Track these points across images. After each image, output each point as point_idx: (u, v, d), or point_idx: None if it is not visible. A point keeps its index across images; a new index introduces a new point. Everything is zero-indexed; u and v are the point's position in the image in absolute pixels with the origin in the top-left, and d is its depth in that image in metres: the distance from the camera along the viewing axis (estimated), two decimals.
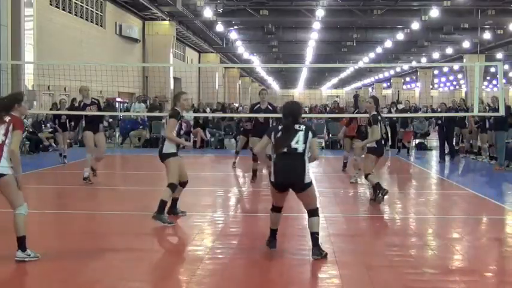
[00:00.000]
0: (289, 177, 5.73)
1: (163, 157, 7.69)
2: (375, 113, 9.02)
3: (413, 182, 12.99)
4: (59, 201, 9.72)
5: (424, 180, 13.19)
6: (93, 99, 11.27)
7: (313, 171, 14.42)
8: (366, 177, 9.11)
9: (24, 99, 5.96)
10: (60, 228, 7.64)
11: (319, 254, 5.82)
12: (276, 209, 6.10)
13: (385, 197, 8.93)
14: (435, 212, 9.07)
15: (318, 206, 6.00)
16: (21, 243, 5.69)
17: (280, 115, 6.19)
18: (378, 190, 8.92)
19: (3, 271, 5.56)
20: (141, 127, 20.92)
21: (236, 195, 10.63)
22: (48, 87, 22.49)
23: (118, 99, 28.56)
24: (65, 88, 23.33)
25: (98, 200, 9.73)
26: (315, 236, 5.87)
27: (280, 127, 5.88)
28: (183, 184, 7.86)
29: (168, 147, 7.69)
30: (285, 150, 5.71)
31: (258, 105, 11.15)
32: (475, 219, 8.59)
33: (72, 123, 14.32)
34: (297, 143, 5.71)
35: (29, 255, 5.70)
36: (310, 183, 5.79)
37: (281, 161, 5.74)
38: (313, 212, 5.91)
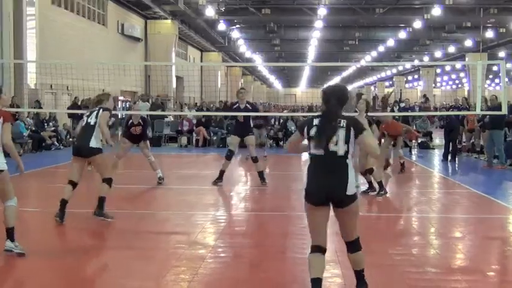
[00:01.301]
0: (325, 183, 4.31)
1: (93, 152, 7.41)
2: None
3: (415, 181, 12.97)
4: (58, 200, 9.71)
5: (426, 179, 13.18)
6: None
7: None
8: (371, 172, 9.19)
9: (4, 90, 6.13)
10: (61, 226, 7.64)
11: None
12: (316, 249, 4.51)
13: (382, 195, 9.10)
14: (437, 211, 9.06)
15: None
16: (11, 233, 5.80)
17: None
18: (381, 187, 9.08)
19: (3, 271, 5.57)
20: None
21: (239, 194, 10.63)
22: (51, 86, 22.51)
23: (120, 98, 28.58)
24: (67, 87, 23.34)
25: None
26: (360, 274, 4.71)
27: (316, 120, 4.33)
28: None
29: (96, 142, 7.41)
30: (322, 153, 4.29)
31: (237, 105, 11.07)
32: (477, 218, 8.57)
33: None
34: (336, 144, 4.25)
35: (17, 246, 5.79)
36: (355, 197, 4.40)
37: (316, 166, 4.39)
38: (356, 246, 4.58)
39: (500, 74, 15.08)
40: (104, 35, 28.82)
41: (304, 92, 75.21)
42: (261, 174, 11.02)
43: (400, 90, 55.53)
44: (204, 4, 30.32)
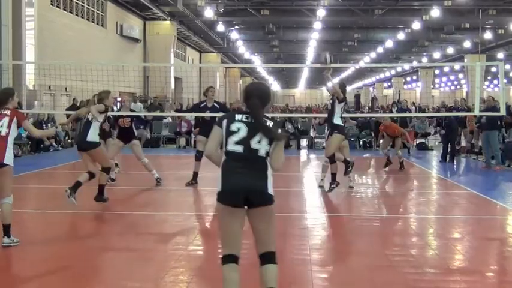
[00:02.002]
0: (246, 180, 3.91)
1: (91, 145, 8.21)
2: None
3: (414, 182, 12.98)
4: (60, 201, 9.71)
5: (424, 180, 13.18)
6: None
7: (314, 171, 14.46)
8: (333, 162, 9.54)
9: (15, 93, 6.53)
10: (60, 228, 7.64)
11: None
12: (230, 259, 4.06)
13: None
14: (436, 212, 9.06)
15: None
16: (7, 230, 6.16)
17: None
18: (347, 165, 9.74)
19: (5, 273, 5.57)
20: (142, 127, 20.93)
21: None
22: (49, 87, 22.50)
23: (118, 99, 28.56)
24: (66, 88, 23.35)
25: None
26: None
27: (239, 116, 4.01)
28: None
29: (92, 137, 8.19)
30: (241, 150, 3.93)
31: (205, 104, 10.87)
32: (476, 219, 8.57)
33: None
34: (259, 142, 3.94)
35: (13, 240, 6.17)
36: (273, 199, 4.07)
37: (234, 164, 3.95)
38: (271, 258, 4.20)
39: (498, 75, 15.12)
40: (102, 36, 28.82)
41: (303, 93, 75.26)
42: None
43: (399, 91, 55.71)
44: (202, 5, 30.37)
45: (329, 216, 8.24)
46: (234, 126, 3.95)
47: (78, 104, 21.41)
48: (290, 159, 17.80)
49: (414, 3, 31.76)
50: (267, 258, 4.08)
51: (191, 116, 20.46)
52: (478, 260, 6.21)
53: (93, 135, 8.17)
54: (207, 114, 10.73)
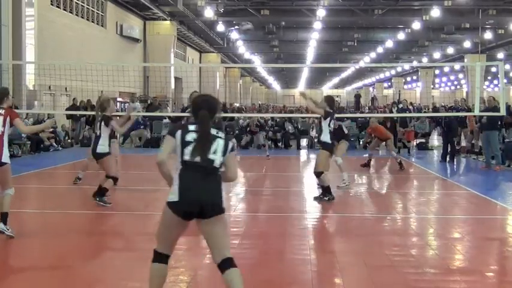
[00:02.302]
0: (203, 193, 3.98)
1: (100, 156, 8.81)
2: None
3: (414, 182, 12.99)
4: (59, 201, 9.72)
5: (424, 180, 13.19)
6: None
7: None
8: (319, 176, 9.35)
9: (9, 92, 6.99)
10: (60, 228, 7.65)
11: None
12: (161, 258, 4.14)
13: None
14: (436, 212, 9.06)
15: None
16: (5, 217, 6.58)
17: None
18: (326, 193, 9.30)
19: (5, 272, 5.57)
20: (141, 127, 20.95)
21: (237, 195, 10.63)
22: (49, 87, 22.51)
23: (119, 99, 28.58)
24: (66, 88, 23.35)
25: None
26: None
27: (192, 127, 4.11)
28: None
29: (102, 148, 8.80)
30: (202, 161, 4.00)
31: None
32: (476, 219, 8.58)
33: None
34: (215, 153, 4.04)
35: (8, 229, 6.49)
36: (224, 210, 4.12)
37: (191, 172, 4.00)
38: (231, 263, 4.17)
39: (498, 75, 15.10)
40: (102, 36, 28.82)
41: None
42: None
43: (399, 91, 55.75)
44: (202, 5, 30.36)
45: (329, 216, 8.24)
46: (189, 137, 4.04)
47: (78, 104, 21.42)
48: (290, 159, 17.81)
49: (414, 3, 31.75)
50: (227, 263, 4.10)
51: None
52: (478, 260, 6.21)
53: (102, 146, 8.79)
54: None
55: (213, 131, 4.09)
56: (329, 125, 9.34)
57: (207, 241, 4.13)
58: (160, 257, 4.11)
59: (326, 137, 9.34)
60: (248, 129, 19.44)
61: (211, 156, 4.01)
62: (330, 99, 9.74)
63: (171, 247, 4.15)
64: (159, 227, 4.16)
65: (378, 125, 14.96)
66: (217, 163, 4.03)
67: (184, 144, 4.03)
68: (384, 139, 14.56)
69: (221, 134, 4.11)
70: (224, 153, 4.05)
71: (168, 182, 4.12)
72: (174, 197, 3.97)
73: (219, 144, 4.06)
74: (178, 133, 4.07)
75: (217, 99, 4.38)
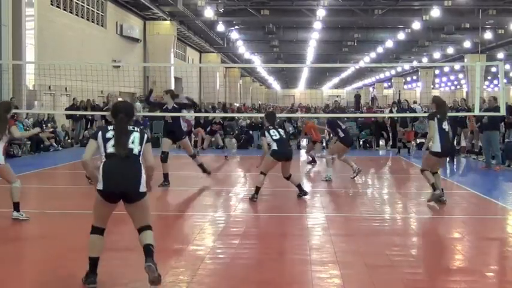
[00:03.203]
0: (122, 183, 4.81)
1: None
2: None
3: (413, 182, 12.98)
4: (59, 201, 9.72)
5: (424, 180, 13.15)
6: None
7: (314, 170, 14.45)
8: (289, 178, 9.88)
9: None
10: (60, 228, 7.65)
11: (154, 269, 4.95)
12: (98, 231, 5.13)
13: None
14: (436, 212, 9.06)
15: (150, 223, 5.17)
16: (16, 206, 7.59)
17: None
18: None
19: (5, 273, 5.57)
20: (141, 127, 20.94)
21: (237, 195, 10.63)
22: (49, 87, 22.51)
23: (119, 99, 28.56)
24: (66, 88, 23.35)
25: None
26: (149, 247, 5.08)
27: (110, 127, 4.99)
28: None
29: None
30: (120, 151, 4.84)
31: (166, 106, 11.06)
32: (475, 219, 8.58)
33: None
34: (133, 143, 4.91)
35: (22, 215, 7.57)
36: (145, 193, 4.95)
37: (114, 163, 4.82)
38: (146, 227, 5.11)
39: (498, 75, 15.07)
40: (102, 36, 28.82)
41: (303, 93, 75.28)
42: (201, 166, 11.53)
43: (399, 91, 55.72)
44: (202, 5, 30.35)
45: (329, 216, 8.24)
46: (109, 134, 4.92)
47: (78, 104, 21.42)
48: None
49: (414, 3, 31.74)
50: (143, 228, 5.09)
51: (191, 116, 20.47)
52: (477, 260, 6.21)
53: None
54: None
55: (130, 127, 4.98)
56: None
57: (129, 215, 5.09)
58: (97, 230, 5.12)
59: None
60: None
61: (130, 146, 4.89)
62: (268, 115, 10.22)
63: (105, 223, 5.12)
64: (93, 207, 5.10)
65: (314, 125, 15.01)
66: (136, 151, 4.91)
67: (106, 140, 4.89)
68: (313, 140, 14.73)
69: (136, 129, 5.02)
70: (141, 143, 4.94)
71: (93, 178, 4.97)
72: (100, 185, 4.84)
73: (135, 137, 4.94)
74: (99, 134, 4.95)
75: (132, 105, 5.65)
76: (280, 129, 9.64)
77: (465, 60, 41.74)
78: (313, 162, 14.78)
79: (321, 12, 30.73)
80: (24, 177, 11.86)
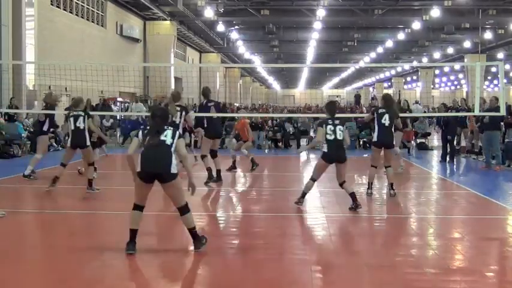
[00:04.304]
0: (156, 166, 5.90)
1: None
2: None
3: (413, 182, 12.98)
4: (59, 201, 9.72)
5: (424, 180, 13.18)
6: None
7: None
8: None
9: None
10: (60, 228, 7.65)
11: (200, 245, 6.06)
12: (138, 207, 6.08)
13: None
14: (436, 212, 9.06)
15: (187, 201, 6.09)
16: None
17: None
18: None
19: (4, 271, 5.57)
20: (142, 127, 20.93)
21: (237, 195, 10.63)
22: (49, 87, 22.46)
23: (119, 99, 28.57)
24: (66, 88, 23.33)
25: (99, 200, 9.72)
26: (192, 232, 6.08)
27: (149, 127, 6.20)
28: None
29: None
30: (154, 141, 5.96)
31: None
32: (475, 219, 8.57)
33: None
34: (165, 136, 6.03)
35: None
36: (176, 175, 5.97)
37: (149, 150, 5.94)
38: (184, 211, 6.06)
39: (498, 75, 15.08)
40: (102, 36, 28.82)
41: (303, 93, 75.29)
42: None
43: (399, 91, 55.74)
44: (202, 5, 30.35)
45: (329, 216, 8.23)
46: (146, 132, 6.13)
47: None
48: (290, 159, 17.81)
49: (414, 3, 31.75)
50: (181, 211, 6.09)
51: (191, 116, 20.41)
52: (477, 260, 6.20)
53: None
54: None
55: (164, 127, 6.12)
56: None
57: (168, 196, 6.13)
58: (138, 207, 6.07)
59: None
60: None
61: (162, 138, 6.02)
62: (328, 105, 9.49)
63: (144, 201, 6.09)
64: (135, 188, 6.06)
65: (246, 122, 14.05)
66: (168, 142, 6.01)
67: (144, 136, 6.09)
68: (244, 139, 13.60)
69: (170, 128, 6.14)
70: (173, 138, 6.03)
71: (133, 171, 6.02)
72: (139, 167, 5.94)
73: (168, 133, 6.07)
74: (140, 133, 6.19)
75: (166, 110, 6.80)
76: (339, 126, 8.54)
77: (465, 60, 41.75)
78: (233, 168, 13.33)
79: (321, 12, 30.74)
80: (24, 178, 11.87)
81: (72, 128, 9.78)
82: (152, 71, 31.57)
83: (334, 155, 8.48)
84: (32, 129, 18.02)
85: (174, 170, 5.93)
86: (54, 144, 18.52)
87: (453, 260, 6.22)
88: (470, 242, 7.00)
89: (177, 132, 6.13)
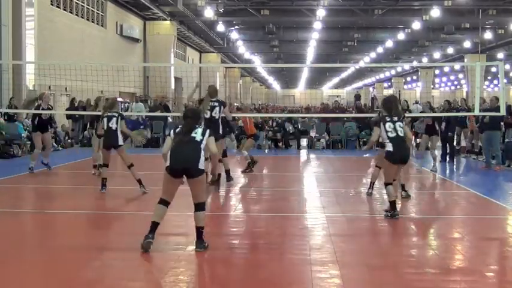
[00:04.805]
0: (185, 161, 6.09)
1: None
2: None
3: (413, 182, 12.97)
4: (59, 201, 9.73)
5: (424, 180, 13.18)
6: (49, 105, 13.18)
7: (314, 171, 14.45)
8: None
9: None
10: (59, 228, 7.65)
11: (202, 247, 6.14)
12: (163, 202, 6.26)
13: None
14: (436, 212, 9.06)
15: (207, 200, 6.52)
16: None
17: None
18: None
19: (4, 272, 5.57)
20: (142, 127, 20.94)
21: (237, 194, 10.63)
22: (49, 87, 22.47)
23: (119, 99, 28.55)
24: (66, 88, 23.34)
25: (99, 200, 9.73)
26: (200, 230, 6.22)
27: (180, 126, 6.42)
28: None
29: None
30: (185, 138, 6.17)
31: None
32: (475, 219, 8.58)
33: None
34: (196, 133, 6.24)
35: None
36: (203, 171, 6.19)
37: (179, 146, 6.14)
38: (200, 207, 6.23)
39: (498, 75, 15.07)
40: (102, 36, 28.82)
41: (303, 93, 75.29)
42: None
43: (399, 91, 55.72)
44: (202, 5, 30.34)
45: (329, 216, 8.23)
46: (178, 130, 6.32)
47: (76, 104, 21.39)
48: (290, 159, 17.81)
49: (414, 3, 31.74)
50: (197, 207, 6.25)
51: None
52: (478, 260, 6.21)
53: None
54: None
55: (196, 125, 6.34)
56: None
57: (190, 191, 6.23)
58: (164, 202, 6.26)
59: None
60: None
61: (193, 135, 6.23)
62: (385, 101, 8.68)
63: (171, 196, 6.28)
64: (163, 183, 6.27)
65: (251, 120, 13.76)
66: (198, 139, 6.21)
67: (176, 134, 6.30)
68: (248, 133, 13.42)
69: (200, 126, 6.36)
70: (203, 135, 6.25)
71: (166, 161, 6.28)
72: (167, 163, 6.17)
73: (198, 130, 6.29)
74: (171, 131, 6.41)
75: (200, 111, 6.97)
76: (398, 122, 8.05)
77: (465, 60, 41.74)
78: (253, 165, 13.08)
79: (321, 12, 30.72)
80: (24, 177, 11.88)
81: (105, 128, 9.96)
82: (152, 71, 31.56)
83: (399, 154, 7.96)
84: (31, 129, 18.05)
85: (202, 166, 6.13)
86: (54, 144, 18.52)
87: (453, 260, 6.22)
88: (470, 242, 7.01)
89: (208, 130, 6.34)
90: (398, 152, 7.94)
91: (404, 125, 8.11)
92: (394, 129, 7.96)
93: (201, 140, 6.22)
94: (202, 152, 6.19)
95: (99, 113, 10.91)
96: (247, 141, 13.54)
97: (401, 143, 7.98)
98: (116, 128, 9.89)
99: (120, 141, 9.92)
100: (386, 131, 7.99)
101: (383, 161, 8.32)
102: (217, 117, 10.26)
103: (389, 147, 7.97)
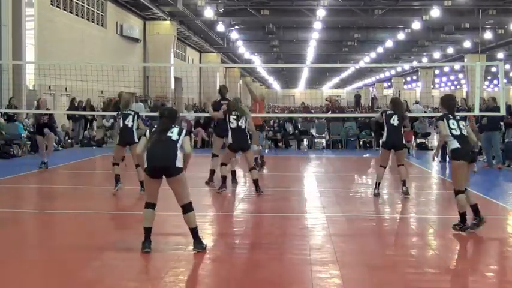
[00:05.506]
0: (162, 159, 6.08)
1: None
2: None
3: (413, 182, 12.97)
4: (59, 201, 9.73)
5: (424, 180, 13.18)
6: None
7: (313, 171, 14.45)
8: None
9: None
10: (59, 228, 7.65)
11: (200, 247, 6.14)
12: (150, 205, 6.25)
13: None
14: (436, 212, 9.07)
15: (191, 200, 6.22)
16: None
17: None
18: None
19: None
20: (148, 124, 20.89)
21: (237, 195, 10.62)
22: (49, 87, 22.50)
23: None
24: (66, 88, 23.34)
25: (98, 200, 9.74)
26: (194, 231, 6.20)
27: (156, 126, 6.45)
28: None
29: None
30: (161, 137, 6.17)
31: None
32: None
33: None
34: (172, 133, 6.23)
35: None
36: (181, 169, 6.14)
37: (155, 146, 6.13)
38: (187, 208, 6.19)
39: (498, 75, 15.08)
40: (102, 36, 28.81)
41: (303, 93, 75.30)
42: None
43: (399, 91, 55.71)
44: (202, 5, 30.35)
45: (329, 216, 8.23)
46: (153, 129, 6.37)
47: (76, 104, 21.40)
48: (290, 159, 17.80)
49: (414, 3, 31.74)
50: (185, 209, 6.23)
51: (191, 116, 20.48)
52: (477, 260, 6.21)
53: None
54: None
55: (171, 125, 6.30)
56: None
57: (173, 192, 6.23)
58: (150, 205, 6.25)
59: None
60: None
61: (169, 134, 6.22)
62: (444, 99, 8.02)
63: (155, 198, 6.27)
64: (145, 186, 6.44)
65: (261, 104, 13.63)
66: (174, 138, 6.20)
67: (152, 133, 6.30)
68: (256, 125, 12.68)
69: (177, 126, 6.34)
70: (179, 135, 6.22)
71: (141, 164, 6.47)
72: (146, 163, 6.16)
73: (174, 130, 6.27)
74: (147, 131, 6.42)
75: (176, 111, 6.70)
76: (461, 121, 7.49)
77: (465, 60, 41.75)
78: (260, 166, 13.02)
79: (321, 12, 30.73)
80: (24, 177, 11.89)
81: (121, 125, 10.06)
82: (152, 71, 31.55)
83: (467, 151, 7.24)
84: (31, 129, 18.03)
85: (179, 164, 6.08)
86: (54, 144, 18.51)
87: (453, 260, 6.22)
88: (470, 242, 7.00)
89: (184, 130, 6.34)
90: (467, 149, 7.24)
91: (466, 125, 7.54)
92: (459, 127, 7.36)
93: (177, 140, 6.22)
94: (179, 150, 6.19)
95: (103, 113, 11.02)
96: (253, 133, 13.33)
97: (468, 141, 7.34)
98: (132, 126, 10.06)
99: (135, 139, 9.97)
100: (451, 128, 7.30)
101: (451, 164, 7.65)
102: (243, 128, 10.21)
103: (455, 144, 7.24)
